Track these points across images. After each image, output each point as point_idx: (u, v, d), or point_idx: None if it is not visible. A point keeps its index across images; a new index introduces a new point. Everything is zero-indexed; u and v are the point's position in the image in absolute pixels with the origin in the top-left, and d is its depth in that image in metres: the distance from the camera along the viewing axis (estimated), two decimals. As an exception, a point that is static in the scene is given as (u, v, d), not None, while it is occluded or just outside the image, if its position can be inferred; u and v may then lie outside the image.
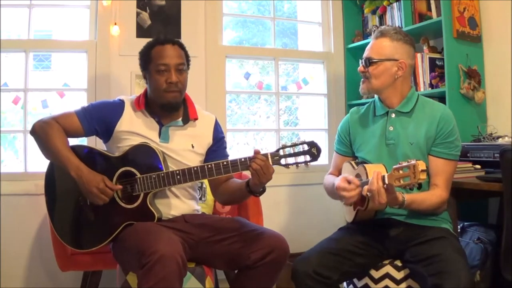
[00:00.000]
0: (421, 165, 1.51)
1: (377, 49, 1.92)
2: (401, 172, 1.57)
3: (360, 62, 1.98)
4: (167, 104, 1.92)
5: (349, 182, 1.76)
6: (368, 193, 1.66)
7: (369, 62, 1.92)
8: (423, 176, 1.51)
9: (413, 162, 1.53)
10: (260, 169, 1.73)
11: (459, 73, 2.64)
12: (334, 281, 1.74)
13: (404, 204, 1.71)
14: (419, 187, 1.59)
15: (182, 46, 1.97)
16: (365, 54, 1.96)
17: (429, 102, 1.96)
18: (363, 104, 2.17)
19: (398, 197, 1.68)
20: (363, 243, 1.83)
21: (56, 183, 1.96)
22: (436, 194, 1.81)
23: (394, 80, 1.92)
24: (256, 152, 1.76)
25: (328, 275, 1.72)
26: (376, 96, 2.03)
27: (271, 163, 1.75)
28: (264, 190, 1.87)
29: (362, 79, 1.98)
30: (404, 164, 1.56)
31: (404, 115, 1.93)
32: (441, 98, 2.63)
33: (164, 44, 1.92)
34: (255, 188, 1.83)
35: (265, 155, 1.76)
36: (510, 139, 2.40)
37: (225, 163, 1.80)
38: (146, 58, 1.92)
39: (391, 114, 1.94)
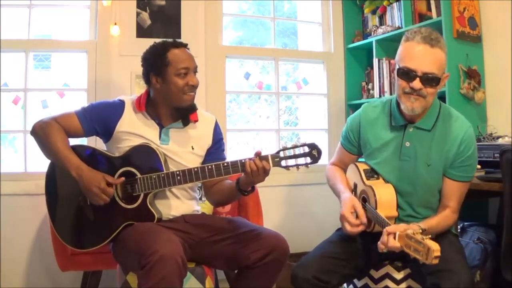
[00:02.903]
0: (436, 252, 1.36)
1: (439, 63, 1.65)
2: (413, 242, 1.42)
3: (398, 70, 1.69)
4: (186, 106, 1.93)
5: (356, 215, 1.69)
6: (383, 247, 1.53)
7: (433, 80, 1.64)
8: (436, 261, 1.36)
9: (428, 244, 1.35)
10: (256, 170, 1.73)
11: (459, 73, 2.65)
12: (333, 285, 1.73)
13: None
14: None
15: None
16: (420, 68, 1.62)
17: (452, 116, 1.76)
18: (362, 104, 2.12)
19: (415, 229, 1.53)
20: (363, 245, 1.82)
21: (57, 183, 1.96)
22: (449, 216, 1.73)
23: None
24: (258, 154, 1.76)
25: (327, 279, 1.70)
26: (394, 101, 1.83)
27: (271, 165, 1.75)
28: (253, 190, 1.87)
29: (407, 94, 1.67)
30: (419, 238, 1.39)
31: (423, 131, 1.75)
32: (441, 98, 2.61)
33: (179, 47, 1.92)
34: (245, 187, 1.84)
35: (266, 156, 1.76)
36: (510, 139, 2.40)
37: (225, 164, 1.80)
38: (162, 62, 1.88)
39: (409, 129, 1.77)
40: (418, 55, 1.64)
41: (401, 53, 1.71)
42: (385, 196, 1.70)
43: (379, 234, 1.76)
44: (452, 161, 1.72)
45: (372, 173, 1.84)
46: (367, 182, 1.80)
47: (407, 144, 1.77)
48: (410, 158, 1.76)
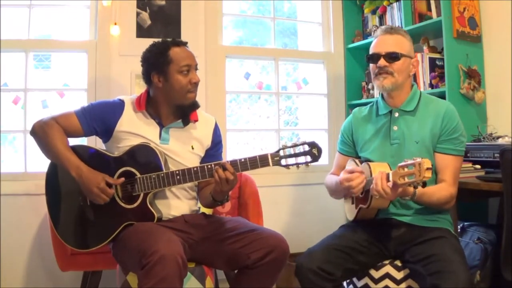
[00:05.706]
0: (427, 163, 1.50)
1: (399, 44, 1.90)
2: (406, 170, 1.56)
3: (367, 57, 1.94)
4: (189, 104, 1.94)
5: (351, 172, 1.78)
6: (375, 193, 1.66)
7: (394, 56, 1.88)
8: (428, 174, 1.50)
9: (418, 160, 1.52)
10: (224, 178, 1.75)
11: (459, 73, 2.64)
12: (337, 278, 1.75)
13: (415, 196, 1.71)
14: (424, 185, 1.58)
15: None
16: (383, 49, 1.90)
17: (432, 100, 1.97)
18: (363, 104, 2.17)
19: (409, 189, 1.69)
20: (365, 241, 1.84)
21: (57, 183, 1.96)
22: (445, 188, 1.81)
23: (408, 78, 1.94)
24: (222, 164, 1.78)
25: (331, 271, 1.73)
26: (379, 95, 2.03)
27: (271, 163, 1.75)
28: (227, 199, 1.91)
29: (377, 75, 1.91)
30: (409, 162, 1.55)
31: (408, 113, 1.93)
32: (441, 98, 2.62)
33: (179, 45, 1.93)
34: (218, 196, 1.86)
35: (265, 155, 1.76)
36: (510, 139, 2.40)
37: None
38: (164, 60, 1.88)
39: (395, 113, 1.94)
40: (380, 41, 1.94)
41: (370, 47, 1.97)
42: (379, 166, 1.79)
43: (382, 226, 1.86)
44: (439, 136, 1.87)
45: (366, 161, 1.90)
46: (362, 164, 1.89)
47: (395, 128, 1.93)
48: (399, 140, 1.91)
